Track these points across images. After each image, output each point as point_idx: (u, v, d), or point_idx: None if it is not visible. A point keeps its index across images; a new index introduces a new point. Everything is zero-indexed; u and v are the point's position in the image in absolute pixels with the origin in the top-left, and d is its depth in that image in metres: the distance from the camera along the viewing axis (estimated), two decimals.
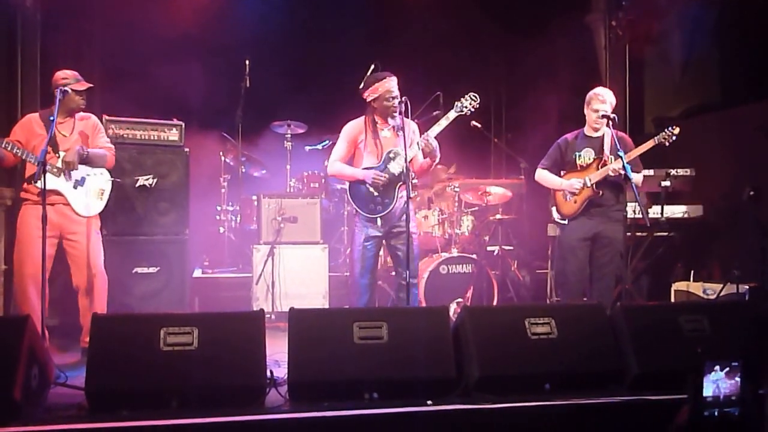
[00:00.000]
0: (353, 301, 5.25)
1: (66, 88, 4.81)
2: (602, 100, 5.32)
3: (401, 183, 5.09)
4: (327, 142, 7.77)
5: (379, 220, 5.10)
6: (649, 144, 5.16)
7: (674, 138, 5.09)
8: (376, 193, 5.08)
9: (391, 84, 5.15)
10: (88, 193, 5.01)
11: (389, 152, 5.10)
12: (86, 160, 4.97)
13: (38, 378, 3.56)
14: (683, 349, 3.95)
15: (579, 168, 5.41)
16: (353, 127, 5.30)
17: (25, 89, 6.59)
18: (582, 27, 8.44)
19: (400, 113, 4.99)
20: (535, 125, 8.97)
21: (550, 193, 5.61)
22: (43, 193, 4.44)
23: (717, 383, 3.33)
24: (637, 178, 5.26)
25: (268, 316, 6.07)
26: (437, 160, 5.15)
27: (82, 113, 5.11)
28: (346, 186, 5.21)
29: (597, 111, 5.31)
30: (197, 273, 7.12)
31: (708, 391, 3.33)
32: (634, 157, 5.18)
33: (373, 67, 6.34)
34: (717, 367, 3.32)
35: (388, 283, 6.58)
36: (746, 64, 6.84)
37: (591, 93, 5.41)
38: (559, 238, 5.60)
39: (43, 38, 6.75)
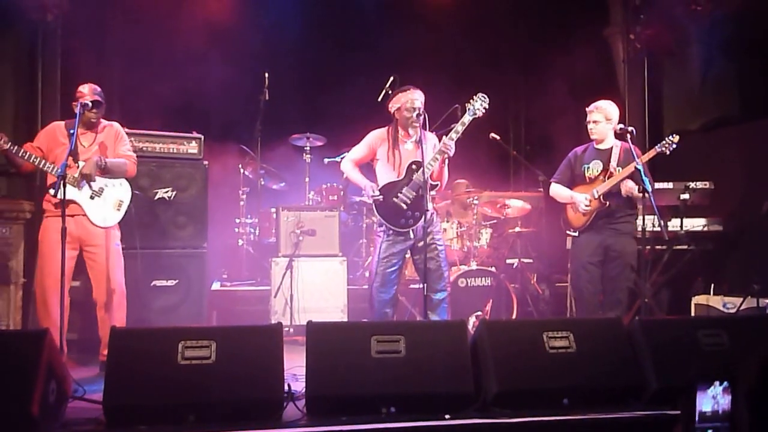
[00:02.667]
0: (373, 317, 5.24)
1: (85, 102, 4.87)
2: (591, 110, 5.45)
3: (431, 192, 5.13)
4: (345, 154, 7.78)
5: (411, 233, 5.09)
6: (649, 154, 5.24)
7: (674, 146, 5.16)
8: (404, 206, 5.08)
9: (413, 95, 5.19)
10: (105, 204, 5.03)
11: (411, 163, 5.09)
12: (105, 171, 5.01)
13: (56, 393, 3.56)
14: (703, 363, 3.91)
15: (587, 180, 5.45)
16: (376, 135, 5.34)
17: (46, 102, 6.67)
18: (600, 40, 8.42)
19: (422, 126, 5.04)
20: (554, 138, 8.94)
21: (564, 206, 5.61)
22: (62, 204, 4.48)
23: (715, 398, 3.31)
24: (631, 185, 5.30)
25: (286, 329, 6.06)
26: (447, 160, 5.18)
27: (104, 121, 5.16)
28: (373, 205, 5.18)
29: (588, 122, 5.45)
30: (216, 286, 7.14)
31: (707, 406, 3.31)
32: (632, 171, 5.20)
33: (391, 79, 6.38)
34: (716, 382, 3.31)
35: (406, 297, 6.58)
36: (765, 78, 6.78)
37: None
38: (571, 254, 5.59)
39: (64, 52, 6.84)
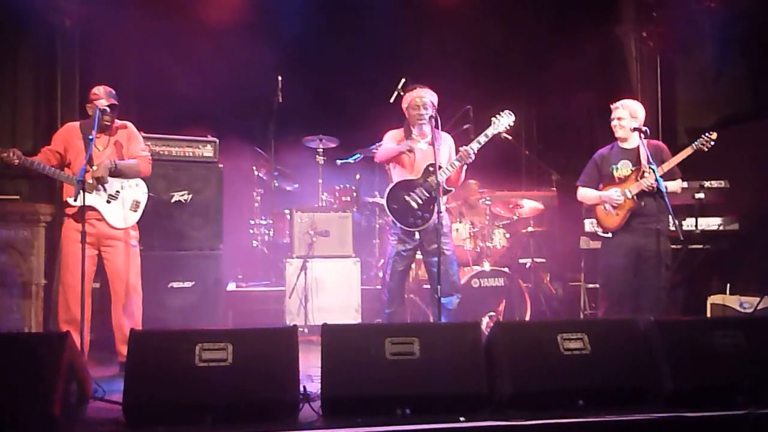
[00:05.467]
0: (384, 317, 5.29)
1: (104, 107, 4.92)
2: (616, 107, 5.39)
3: (443, 195, 5.18)
4: (358, 155, 7.81)
5: (417, 233, 5.12)
6: (687, 151, 5.14)
7: (712, 143, 5.08)
8: (415, 205, 5.10)
9: (420, 92, 5.24)
10: (123, 206, 5.09)
11: (429, 165, 5.12)
12: (117, 173, 5.05)
13: (77, 393, 3.62)
14: (719, 365, 3.90)
15: (617, 180, 5.39)
16: (392, 135, 5.39)
17: (65, 106, 6.79)
18: (613, 38, 8.39)
19: (435, 127, 5.06)
20: (567, 137, 8.93)
21: (588, 207, 5.57)
22: (83, 210, 4.54)
23: None
24: (674, 185, 5.26)
25: (301, 329, 6.10)
26: (465, 167, 5.22)
27: (117, 122, 5.20)
28: (384, 199, 5.21)
29: (612, 119, 5.38)
30: (231, 286, 7.19)
31: None
32: (672, 166, 5.16)
33: (403, 81, 6.41)
34: None
35: (419, 297, 6.59)
36: None
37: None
38: (602, 254, 5.54)
39: (82, 56, 6.93)
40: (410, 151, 5.12)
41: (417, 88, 5.31)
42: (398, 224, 5.13)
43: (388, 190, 5.22)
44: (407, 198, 5.12)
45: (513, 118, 5.19)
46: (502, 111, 5.19)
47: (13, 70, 6.73)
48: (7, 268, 5.67)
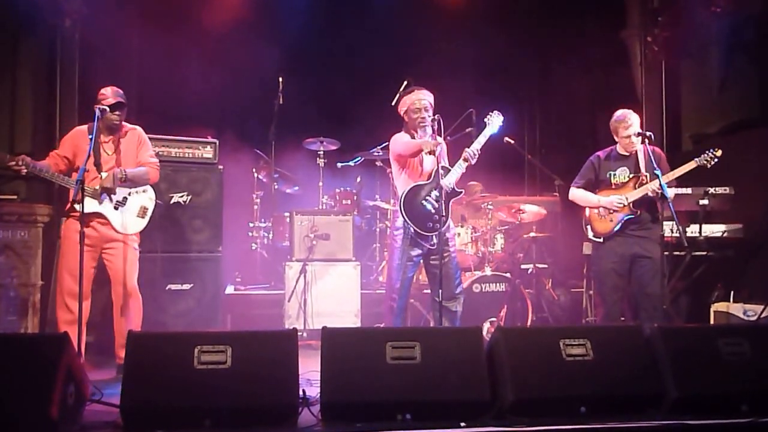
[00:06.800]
0: (389, 322, 5.23)
1: (104, 107, 4.87)
2: (629, 124, 5.28)
3: (453, 198, 5.18)
4: (359, 158, 7.78)
5: (434, 237, 5.07)
6: (689, 165, 5.12)
7: (716, 161, 5.05)
8: (432, 209, 5.05)
9: (419, 95, 5.18)
10: (130, 213, 5.05)
11: (439, 168, 5.06)
12: (126, 182, 5.00)
13: (74, 396, 3.58)
14: (723, 373, 3.86)
15: (614, 186, 5.36)
16: (403, 133, 5.30)
17: (64, 105, 6.79)
18: (617, 43, 8.37)
19: (434, 130, 5.02)
20: (570, 142, 8.91)
21: (584, 210, 5.54)
22: (81, 214, 4.49)
23: None
24: (669, 193, 5.22)
25: (300, 333, 6.06)
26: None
27: (127, 125, 5.16)
28: (400, 206, 5.11)
29: (629, 136, 5.27)
30: (230, 289, 7.15)
31: None
32: (671, 179, 5.12)
33: (405, 83, 6.37)
34: None
35: (420, 302, 6.55)
36: None
37: (614, 122, 5.37)
38: (594, 259, 5.51)
39: (81, 56, 6.92)
40: (431, 153, 5.05)
41: (414, 90, 5.26)
42: (417, 230, 5.05)
43: (402, 196, 5.11)
44: (424, 202, 5.07)
45: (502, 117, 5.26)
46: (491, 112, 5.26)
47: (12, 71, 6.73)
48: (4, 269, 5.64)
